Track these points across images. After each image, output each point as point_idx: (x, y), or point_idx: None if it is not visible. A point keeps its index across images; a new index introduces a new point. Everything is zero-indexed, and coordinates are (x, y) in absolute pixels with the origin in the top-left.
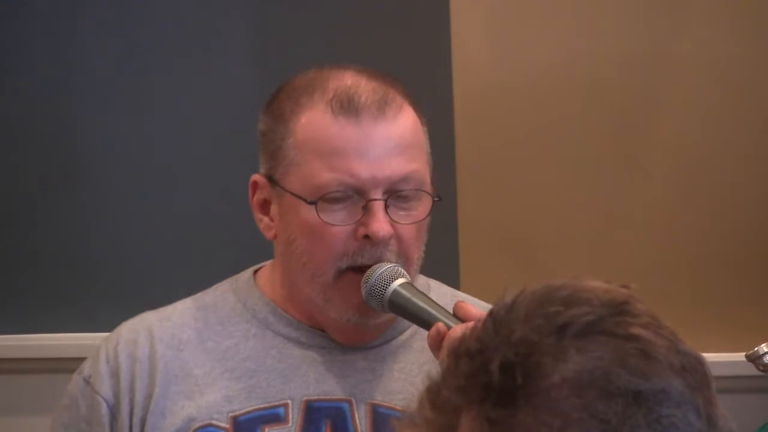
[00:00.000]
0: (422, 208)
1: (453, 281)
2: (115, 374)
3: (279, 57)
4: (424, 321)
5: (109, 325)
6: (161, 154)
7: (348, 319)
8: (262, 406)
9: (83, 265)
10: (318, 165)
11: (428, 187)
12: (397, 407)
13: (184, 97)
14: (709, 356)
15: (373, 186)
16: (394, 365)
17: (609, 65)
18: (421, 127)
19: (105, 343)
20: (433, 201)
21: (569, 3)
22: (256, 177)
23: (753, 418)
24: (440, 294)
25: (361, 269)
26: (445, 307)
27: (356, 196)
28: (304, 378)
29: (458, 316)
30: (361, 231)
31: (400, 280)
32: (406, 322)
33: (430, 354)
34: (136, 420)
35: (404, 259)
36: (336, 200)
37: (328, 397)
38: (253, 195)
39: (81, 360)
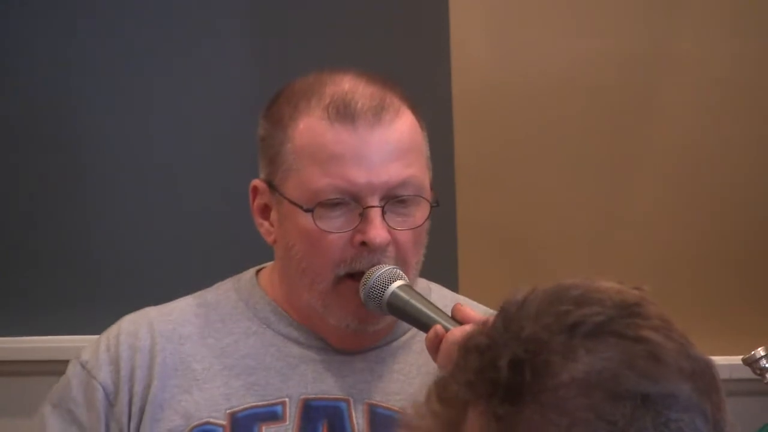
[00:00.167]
0: (420, 213)
1: (452, 284)
2: (114, 362)
3: (279, 57)
4: (422, 323)
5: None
6: (161, 154)
7: (347, 325)
8: (259, 403)
9: (83, 267)
10: (315, 171)
11: (426, 192)
12: (395, 408)
13: (184, 97)
14: None
15: (369, 192)
16: (393, 366)
17: (608, 66)
18: (421, 131)
19: (106, 333)
20: (431, 207)
21: (568, 4)
22: (256, 182)
23: (749, 422)
24: (441, 297)
25: (359, 276)
26: (446, 310)
27: (353, 202)
28: (303, 377)
29: (456, 318)
30: (358, 238)
31: (399, 282)
32: (406, 324)
33: (429, 356)
34: (135, 409)
35: (402, 265)
36: (333, 207)
37: (326, 396)
38: (254, 200)
39: None
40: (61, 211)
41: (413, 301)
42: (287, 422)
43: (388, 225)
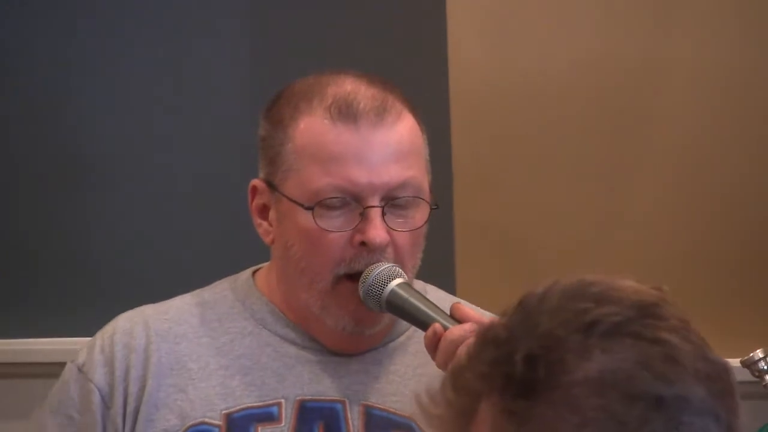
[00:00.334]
0: (419, 215)
1: (449, 286)
2: (109, 363)
3: (279, 57)
4: (421, 321)
5: None
6: (161, 155)
7: (343, 327)
8: (255, 404)
9: (82, 270)
10: (316, 170)
11: (426, 194)
12: (391, 409)
13: (184, 97)
14: None
15: (370, 192)
16: (389, 367)
17: (606, 68)
18: (420, 134)
19: (101, 333)
20: (431, 209)
21: (566, 7)
22: (255, 182)
23: (748, 424)
24: (437, 299)
25: (358, 276)
26: (442, 309)
27: (354, 202)
28: (299, 377)
29: (455, 317)
30: (358, 238)
31: (398, 281)
32: (403, 326)
33: (425, 357)
34: (129, 410)
35: (400, 266)
36: (333, 206)
37: (322, 398)
38: (252, 200)
39: None
40: (61, 213)
41: (412, 299)
42: (283, 423)
43: (387, 226)
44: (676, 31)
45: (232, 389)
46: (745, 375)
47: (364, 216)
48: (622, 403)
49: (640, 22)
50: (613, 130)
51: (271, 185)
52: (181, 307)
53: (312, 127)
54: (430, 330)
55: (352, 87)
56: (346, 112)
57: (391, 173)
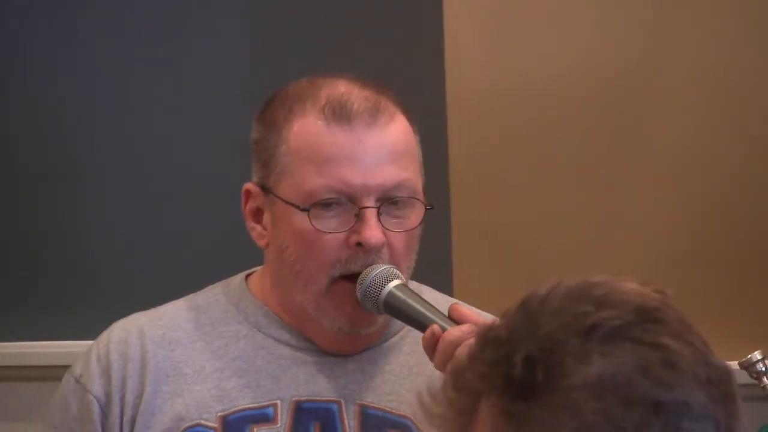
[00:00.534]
0: (415, 216)
1: (446, 287)
2: (106, 373)
3: (279, 57)
4: (419, 323)
5: None
6: (161, 155)
7: (339, 328)
8: (251, 405)
9: (81, 273)
10: (310, 172)
11: (420, 195)
12: (387, 408)
13: (184, 97)
14: None
15: (365, 193)
16: (384, 367)
17: (603, 69)
18: (414, 135)
19: (96, 343)
20: (426, 209)
21: (563, 8)
22: (248, 185)
23: (746, 427)
24: (432, 300)
25: (353, 277)
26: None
27: (349, 203)
28: (294, 379)
29: (453, 318)
30: (354, 238)
31: (395, 282)
32: (398, 325)
33: (420, 356)
34: (126, 419)
35: (395, 267)
36: (328, 207)
37: (318, 398)
38: (246, 203)
39: None
40: (60, 216)
41: (410, 301)
42: (279, 424)
43: (383, 227)
44: (676, 31)
45: (228, 391)
46: (743, 377)
47: (359, 217)
48: (621, 407)
49: (640, 22)
50: (611, 130)
51: (265, 188)
52: (174, 312)
53: (306, 128)
54: (428, 331)
55: (345, 89)
56: (339, 113)
57: (385, 174)
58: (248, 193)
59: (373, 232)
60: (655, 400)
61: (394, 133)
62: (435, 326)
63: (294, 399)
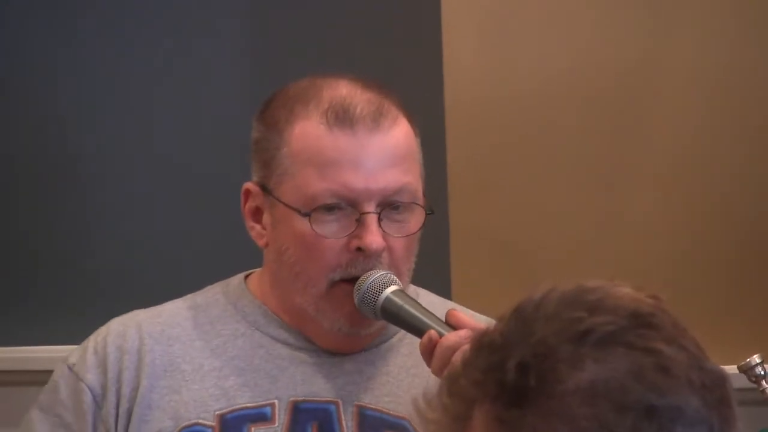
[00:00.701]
0: (415, 221)
1: (445, 291)
2: (102, 365)
3: (279, 57)
4: (417, 328)
5: None
6: (161, 155)
7: (339, 328)
8: (249, 404)
9: (82, 271)
10: (312, 176)
11: (421, 200)
12: (384, 409)
13: (184, 97)
14: None
15: (367, 198)
16: (382, 368)
17: (601, 73)
18: (415, 139)
19: (93, 335)
20: (426, 214)
21: (561, 13)
22: (248, 185)
23: (744, 431)
24: (429, 303)
25: (353, 280)
26: (436, 315)
27: (349, 208)
28: (292, 378)
29: (450, 323)
30: (354, 243)
31: (392, 288)
32: (396, 327)
33: (417, 358)
34: (122, 411)
35: (395, 272)
36: (329, 212)
37: (315, 399)
38: (245, 203)
39: None
40: (61, 213)
41: (407, 307)
42: (276, 424)
43: (383, 231)
44: (676, 31)
45: (226, 390)
46: (741, 381)
47: (360, 222)
48: (614, 413)
49: (640, 22)
50: (611, 130)
51: (266, 189)
52: (173, 310)
53: (308, 131)
54: (425, 337)
55: (348, 91)
56: (342, 117)
57: (387, 179)
58: (248, 192)
59: (374, 237)
60: (648, 405)
61: (397, 136)
62: (432, 332)
63: (291, 399)
